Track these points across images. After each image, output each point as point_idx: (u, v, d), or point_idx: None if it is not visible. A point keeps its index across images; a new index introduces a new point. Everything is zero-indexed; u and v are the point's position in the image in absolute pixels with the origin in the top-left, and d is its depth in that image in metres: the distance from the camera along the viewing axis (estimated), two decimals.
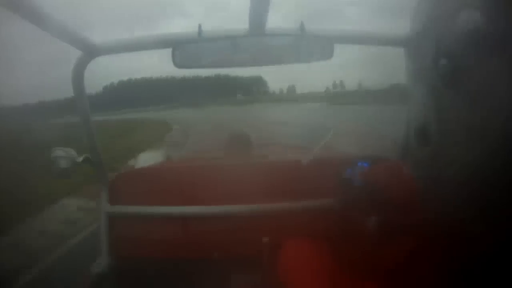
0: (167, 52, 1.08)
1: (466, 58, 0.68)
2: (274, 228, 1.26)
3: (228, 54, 1.11)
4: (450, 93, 0.76)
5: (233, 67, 1.19)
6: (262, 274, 1.23)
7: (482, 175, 0.68)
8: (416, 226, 0.83)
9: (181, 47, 1.09)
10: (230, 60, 1.13)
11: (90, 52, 1.11)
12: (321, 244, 1.03)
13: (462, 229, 0.73)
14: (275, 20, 1.05)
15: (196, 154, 2.31)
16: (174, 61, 1.09)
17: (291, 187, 1.29)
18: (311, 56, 1.10)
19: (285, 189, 1.28)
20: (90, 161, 1.29)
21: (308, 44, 1.10)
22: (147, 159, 2.04)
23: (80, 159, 1.26)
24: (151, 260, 1.33)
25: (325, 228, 1.07)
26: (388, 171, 0.95)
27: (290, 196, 1.28)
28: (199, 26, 1.08)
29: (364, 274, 0.89)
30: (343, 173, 1.08)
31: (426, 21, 0.86)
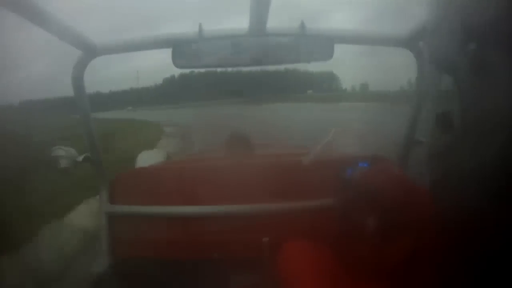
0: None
1: (496, 43, 0.67)
2: (274, 228, 1.26)
3: (228, 54, 1.11)
4: (476, 80, 0.74)
5: (233, 67, 1.19)
6: (262, 274, 1.23)
7: (504, 168, 0.66)
8: (416, 226, 0.83)
9: (181, 47, 1.09)
10: (231, 60, 1.13)
11: (90, 52, 1.11)
12: (321, 244, 1.03)
13: (472, 225, 0.72)
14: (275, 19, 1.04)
15: (196, 154, 2.31)
16: (174, 61, 1.09)
17: (291, 187, 1.28)
18: (311, 56, 1.10)
19: (285, 189, 1.28)
20: (90, 160, 1.30)
21: (308, 44, 1.09)
22: (147, 159, 2.03)
23: (80, 158, 1.26)
24: (151, 260, 1.33)
25: (325, 228, 1.07)
26: (385, 172, 0.95)
27: (290, 196, 1.28)
28: (199, 26, 1.08)
29: (364, 274, 0.89)
30: (343, 173, 1.08)
31: (451, 5, 0.84)
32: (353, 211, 0.93)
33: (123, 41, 1.16)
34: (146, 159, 2.01)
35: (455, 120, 0.85)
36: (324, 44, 1.09)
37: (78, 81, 1.15)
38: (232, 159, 1.72)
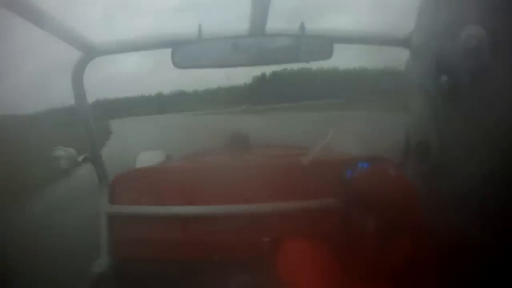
0: None
1: (467, 74, 0.69)
2: (274, 229, 1.26)
3: (228, 54, 1.11)
4: (451, 108, 0.76)
5: (233, 67, 1.19)
6: (263, 274, 1.23)
7: (483, 188, 0.68)
8: (416, 228, 0.83)
9: (181, 47, 1.09)
10: (230, 60, 1.13)
11: (90, 52, 1.11)
12: (322, 245, 1.03)
13: (463, 237, 0.74)
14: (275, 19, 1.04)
15: (196, 154, 2.30)
16: (174, 61, 1.09)
17: (291, 188, 1.28)
18: (311, 56, 1.11)
19: (285, 190, 1.28)
20: (90, 160, 1.30)
21: (308, 44, 1.10)
22: (147, 159, 2.03)
23: (80, 158, 1.26)
24: (151, 260, 1.32)
25: (325, 228, 1.07)
26: (386, 173, 0.95)
27: (290, 196, 1.27)
28: (199, 26, 1.08)
29: (365, 275, 0.89)
30: (343, 173, 1.08)
31: (427, 37, 0.87)
32: (353, 211, 0.93)
33: (123, 41, 1.16)
34: (146, 159, 2.01)
35: (434, 147, 0.86)
36: (323, 44, 1.09)
37: (78, 81, 1.15)
38: (232, 160, 1.72)
